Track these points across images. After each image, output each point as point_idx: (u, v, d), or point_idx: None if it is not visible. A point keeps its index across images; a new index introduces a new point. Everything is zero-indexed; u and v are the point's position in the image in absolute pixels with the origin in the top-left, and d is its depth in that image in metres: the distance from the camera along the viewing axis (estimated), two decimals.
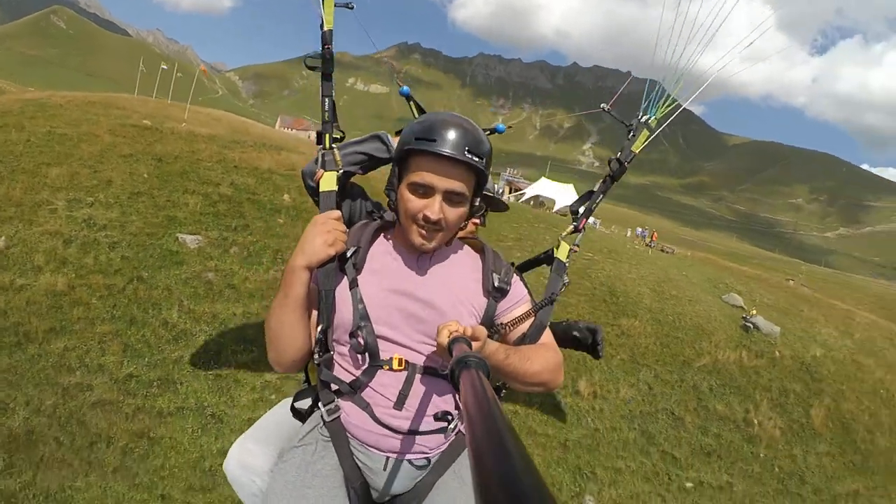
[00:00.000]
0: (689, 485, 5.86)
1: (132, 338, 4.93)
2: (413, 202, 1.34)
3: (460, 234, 1.58)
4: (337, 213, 1.44)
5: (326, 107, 1.64)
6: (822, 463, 7.63)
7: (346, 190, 1.82)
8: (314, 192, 1.65)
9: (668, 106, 1.95)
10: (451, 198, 1.34)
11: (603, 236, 16.01)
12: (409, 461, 1.39)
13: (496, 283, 1.48)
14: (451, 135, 1.29)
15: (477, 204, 1.42)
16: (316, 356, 1.44)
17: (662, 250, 17.02)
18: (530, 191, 34.86)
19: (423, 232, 1.36)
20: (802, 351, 10.05)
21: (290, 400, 1.61)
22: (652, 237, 18.69)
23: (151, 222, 6.98)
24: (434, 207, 1.32)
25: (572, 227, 1.90)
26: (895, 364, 11.63)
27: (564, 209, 30.07)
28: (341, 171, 1.60)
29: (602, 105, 1.98)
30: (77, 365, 4.34)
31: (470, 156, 1.29)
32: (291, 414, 1.58)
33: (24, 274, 5.29)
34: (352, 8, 1.68)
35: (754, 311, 10.50)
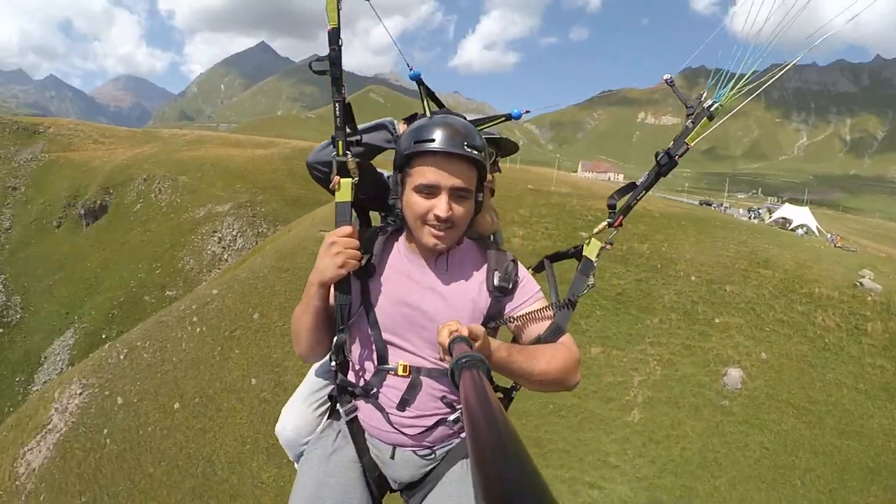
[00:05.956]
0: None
1: None
2: (420, 204, 1.38)
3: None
4: (348, 229, 1.45)
5: (338, 111, 1.54)
6: (862, 345, 16.20)
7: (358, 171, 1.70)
8: (321, 179, 1.67)
9: (742, 87, 1.54)
10: (457, 194, 1.38)
11: (794, 238, 23.71)
12: (414, 451, 1.51)
13: (496, 282, 1.51)
14: (448, 132, 1.34)
15: (481, 199, 1.45)
16: (332, 362, 1.55)
17: (844, 249, 23.73)
18: (777, 214, 42.68)
19: (435, 231, 1.40)
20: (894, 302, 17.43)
21: (317, 365, 1.84)
22: (837, 240, 25.59)
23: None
24: (442, 206, 1.36)
25: (606, 223, 1.70)
26: None
27: (798, 226, 36.87)
28: (356, 179, 1.53)
29: (665, 76, 1.63)
30: None
31: (469, 150, 1.34)
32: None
33: None
34: None
35: (870, 276, 18.19)
